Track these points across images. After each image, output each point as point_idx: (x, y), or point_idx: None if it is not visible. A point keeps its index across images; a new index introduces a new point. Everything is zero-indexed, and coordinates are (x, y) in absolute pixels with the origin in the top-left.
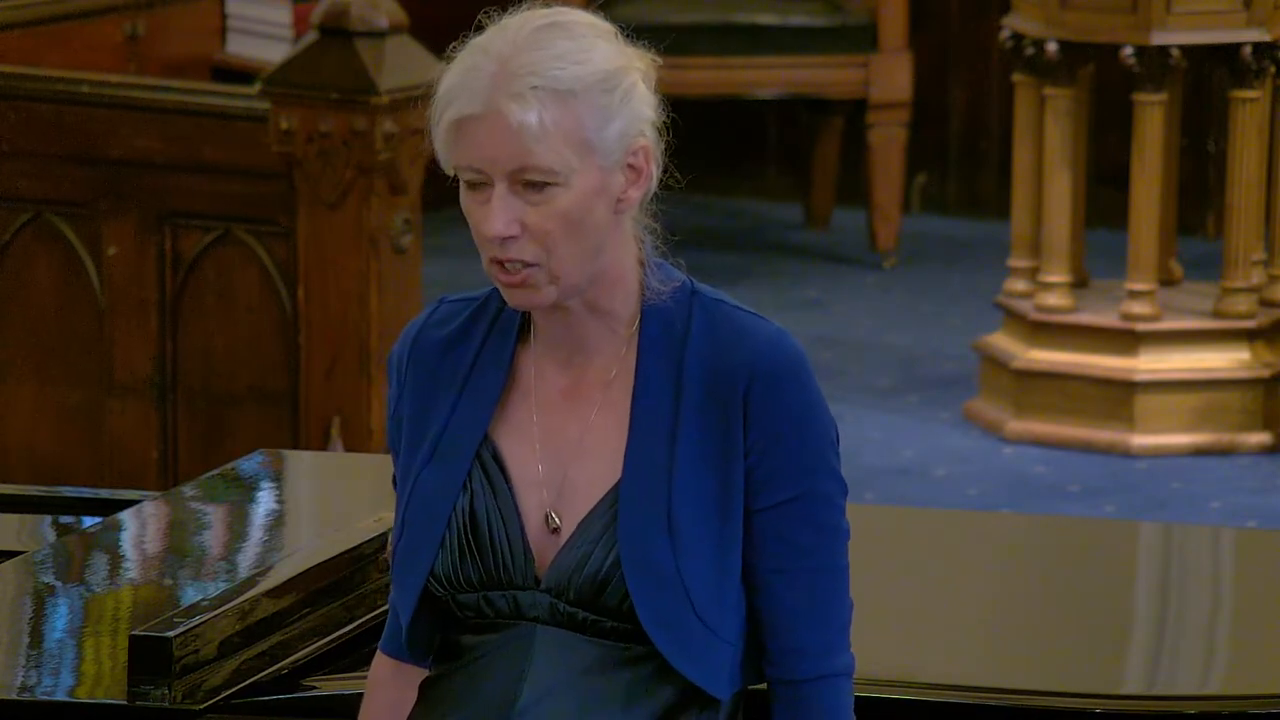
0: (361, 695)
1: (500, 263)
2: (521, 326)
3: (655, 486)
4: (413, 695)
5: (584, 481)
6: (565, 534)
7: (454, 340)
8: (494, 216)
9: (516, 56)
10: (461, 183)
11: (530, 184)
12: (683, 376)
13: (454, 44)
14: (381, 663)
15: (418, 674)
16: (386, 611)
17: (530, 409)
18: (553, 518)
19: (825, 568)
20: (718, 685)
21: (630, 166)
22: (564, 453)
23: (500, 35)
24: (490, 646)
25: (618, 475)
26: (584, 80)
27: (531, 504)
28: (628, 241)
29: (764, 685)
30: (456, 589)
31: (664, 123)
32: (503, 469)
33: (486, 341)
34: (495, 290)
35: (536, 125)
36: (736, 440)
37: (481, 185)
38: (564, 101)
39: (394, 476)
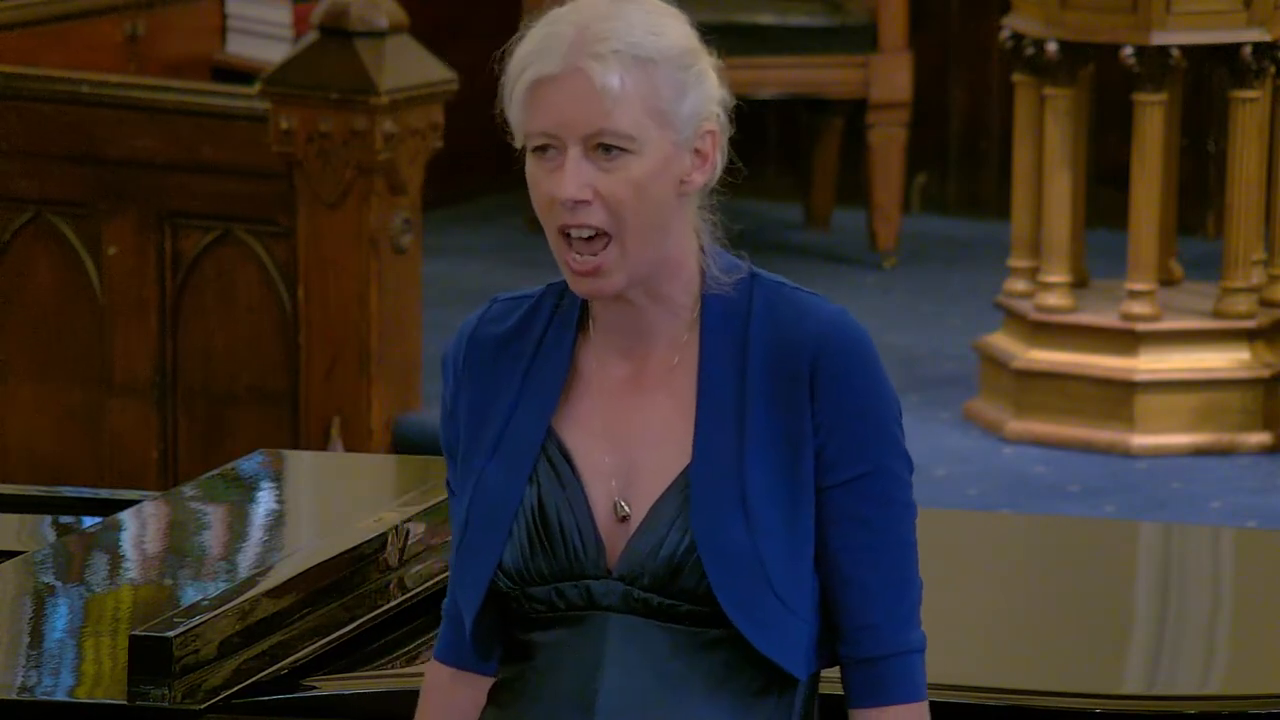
0: (361, 695)
1: (568, 237)
2: (579, 319)
3: (726, 468)
4: (472, 702)
5: (651, 468)
6: (635, 521)
7: (511, 337)
8: (566, 179)
9: (595, 24)
10: (529, 153)
11: (604, 149)
12: (747, 358)
13: (523, 21)
14: (437, 670)
15: (476, 680)
16: (386, 611)
17: (593, 399)
18: (621, 506)
19: (895, 544)
20: (796, 664)
21: (697, 151)
22: (629, 441)
23: (574, 8)
24: (563, 640)
25: (685, 460)
26: (662, 51)
27: (599, 494)
28: (688, 229)
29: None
30: (527, 582)
31: (731, 118)
32: (569, 460)
33: (545, 336)
34: (549, 287)
35: (618, 87)
36: (804, 418)
37: (553, 152)
38: (644, 68)
39: (448, 480)
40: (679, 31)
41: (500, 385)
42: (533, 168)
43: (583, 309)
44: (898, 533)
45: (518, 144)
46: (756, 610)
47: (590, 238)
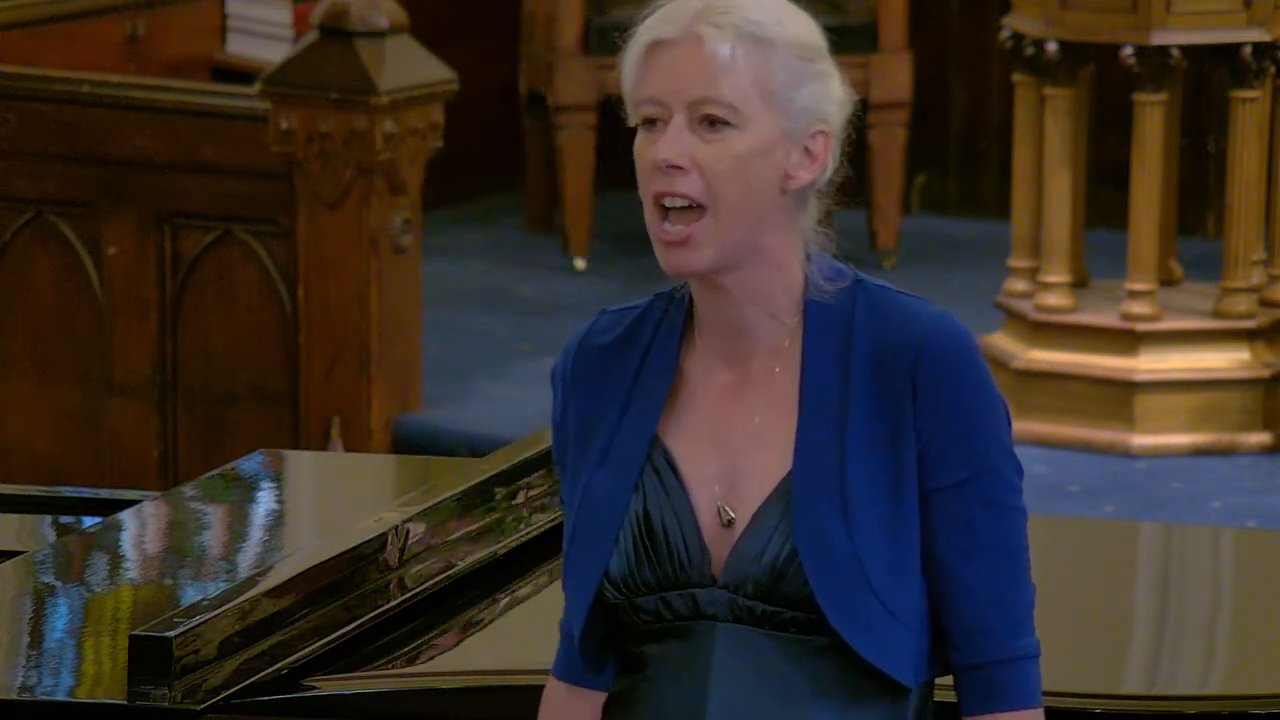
0: (361, 695)
1: (663, 207)
2: (685, 328)
3: (827, 471)
4: (588, 718)
5: (755, 474)
6: (739, 527)
7: (618, 348)
8: (665, 143)
9: (721, 1)
10: (638, 132)
11: (709, 121)
12: (850, 361)
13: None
14: (555, 688)
15: (592, 695)
16: (386, 611)
17: (698, 406)
18: (725, 511)
19: (1005, 548)
20: (902, 671)
21: (807, 150)
22: (733, 447)
23: None
24: (671, 651)
25: (788, 465)
26: (783, 36)
27: (704, 500)
28: (791, 233)
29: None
30: (634, 592)
31: (850, 133)
32: (674, 468)
33: (651, 346)
34: (657, 296)
35: (728, 57)
36: (906, 421)
37: (659, 125)
38: (760, 46)
39: (560, 496)
40: (805, 26)
41: (608, 396)
42: (639, 142)
43: (688, 317)
44: (1006, 536)
45: (630, 121)
46: (859, 615)
47: (684, 208)
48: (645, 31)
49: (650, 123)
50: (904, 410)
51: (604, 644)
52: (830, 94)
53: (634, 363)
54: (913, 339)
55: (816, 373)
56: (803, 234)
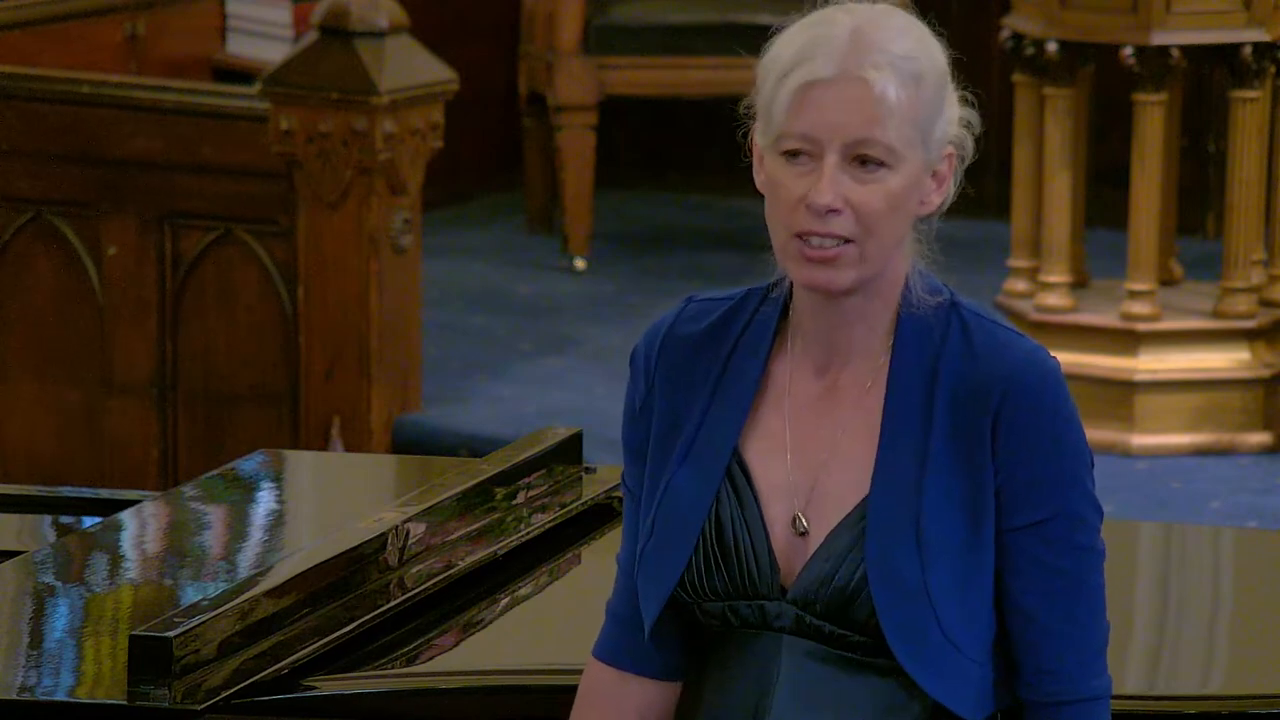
0: (361, 695)
1: (808, 237)
2: (778, 328)
3: (904, 500)
4: (638, 705)
5: (834, 491)
6: (814, 542)
7: (706, 340)
8: (825, 186)
9: (870, 30)
10: (774, 156)
11: (863, 160)
12: (935, 388)
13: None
14: (598, 670)
15: (637, 681)
16: (386, 611)
17: (783, 414)
18: (800, 521)
19: (1080, 588)
20: (964, 705)
21: (936, 173)
22: (814, 460)
23: (845, 11)
24: (737, 657)
25: (866, 488)
26: (930, 71)
27: (778, 511)
28: (906, 249)
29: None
30: (702, 597)
31: (976, 140)
32: (748, 476)
33: (739, 343)
34: (750, 291)
35: (894, 99)
36: (986, 457)
37: (804, 158)
38: (915, 84)
39: (623, 478)
40: (938, 48)
41: (693, 389)
42: (779, 170)
43: (781, 317)
44: (1081, 576)
45: (762, 143)
46: (924, 648)
47: (833, 243)
48: (794, 66)
49: (794, 154)
50: (985, 445)
51: (676, 636)
52: (956, 114)
53: (721, 358)
54: (1000, 374)
55: (902, 397)
56: (911, 248)
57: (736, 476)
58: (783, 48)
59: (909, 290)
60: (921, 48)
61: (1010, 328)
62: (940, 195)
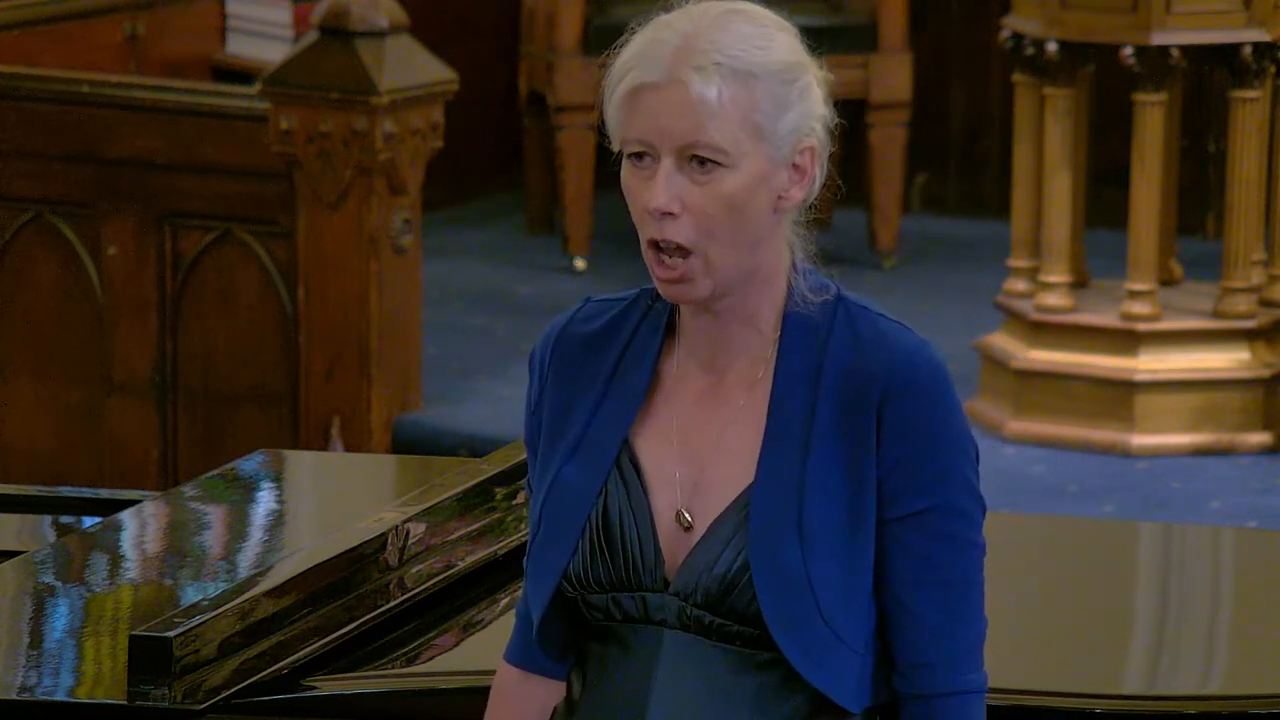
0: (361, 695)
1: (658, 247)
2: (668, 327)
3: (787, 490)
4: (539, 704)
5: (718, 482)
6: (697, 534)
7: (599, 339)
8: (658, 190)
9: (701, 34)
10: (625, 159)
11: (698, 161)
12: (821, 380)
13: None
14: (507, 673)
15: (543, 682)
16: (386, 611)
17: (671, 410)
18: (684, 515)
19: (957, 582)
20: (845, 695)
21: (795, 166)
22: (701, 454)
23: (684, 15)
24: (619, 650)
25: (750, 478)
26: (766, 66)
27: (664, 504)
28: (782, 244)
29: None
30: (587, 589)
31: (835, 131)
32: (638, 469)
33: (632, 342)
34: (643, 291)
35: (715, 100)
36: (870, 448)
37: (648, 160)
38: (744, 82)
39: (528, 479)
40: (786, 45)
41: (584, 387)
42: (628, 174)
43: (671, 316)
44: (960, 570)
45: (614, 148)
46: (805, 637)
47: (675, 249)
48: (627, 72)
49: (639, 156)
50: (869, 437)
51: (562, 631)
52: (814, 109)
53: (613, 356)
54: (884, 367)
55: (787, 390)
56: (789, 242)
57: (626, 469)
58: (624, 52)
59: (793, 287)
60: (756, 46)
61: (896, 322)
62: (802, 189)
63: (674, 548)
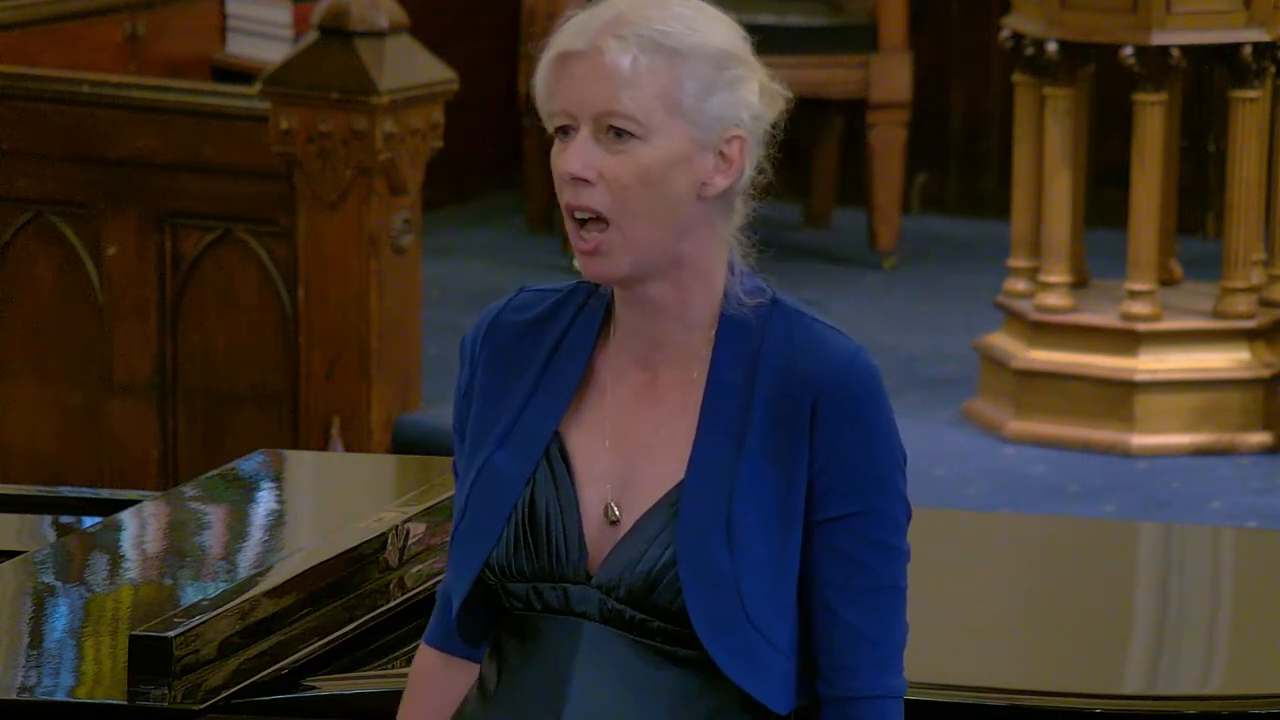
0: (361, 695)
1: (576, 219)
2: (603, 323)
3: (717, 489)
4: (458, 689)
5: (648, 479)
6: (623, 529)
7: (531, 329)
8: (571, 156)
9: (636, 9)
10: (555, 139)
11: (615, 132)
12: (755, 382)
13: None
14: (427, 655)
15: (464, 666)
16: (386, 611)
17: (603, 404)
18: (612, 510)
19: (882, 587)
20: (769, 694)
21: (722, 154)
22: (632, 450)
23: None
24: (537, 641)
25: (681, 476)
26: (694, 47)
27: (593, 498)
28: (714, 239)
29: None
30: (508, 578)
31: (773, 132)
32: (567, 462)
33: (567, 334)
34: (579, 285)
35: (629, 69)
36: (801, 451)
37: (571, 133)
38: (666, 57)
39: (454, 463)
40: (722, 34)
41: (516, 376)
42: (553, 151)
43: (607, 312)
44: (886, 575)
45: (549, 129)
46: (730, 636)
47: (590, 219)
48: (556, 42)
49: (564, 131)
50: (800, 440)
51: (482, 618)
52: (745, 100)
53: (547, 347)
54: (817, 371)
55: (721, 390)
56: (726, 242)
57: (555, 461)
58: (555, 34)
59: (729, 289)
60: (689, 27)
61: (831, 326)
62: (727, 178)
63: (599, 541)
